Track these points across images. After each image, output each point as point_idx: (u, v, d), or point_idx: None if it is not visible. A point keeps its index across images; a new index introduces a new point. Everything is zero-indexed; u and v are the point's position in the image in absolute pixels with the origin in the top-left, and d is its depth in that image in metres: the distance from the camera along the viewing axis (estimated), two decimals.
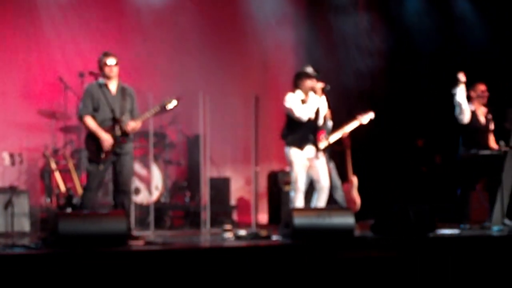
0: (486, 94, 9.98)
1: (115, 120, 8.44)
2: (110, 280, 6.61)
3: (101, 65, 8.52)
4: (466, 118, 9.82)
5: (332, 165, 10.21)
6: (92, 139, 8.42)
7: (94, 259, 6.71)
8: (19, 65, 11.04)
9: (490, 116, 10.09)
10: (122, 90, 8.56)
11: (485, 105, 10.05)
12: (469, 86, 9.96)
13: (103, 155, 8.38)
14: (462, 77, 9.76)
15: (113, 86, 8.53)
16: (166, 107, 8.79)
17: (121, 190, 8.45)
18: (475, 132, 9.90)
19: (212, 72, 12.07)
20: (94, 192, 8.49)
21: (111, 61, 8.48)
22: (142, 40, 11.92)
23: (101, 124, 8.43)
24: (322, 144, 9.22)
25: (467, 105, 9.84)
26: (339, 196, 10.18)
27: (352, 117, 10.15)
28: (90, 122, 8.42)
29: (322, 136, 9.25)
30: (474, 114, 9.95)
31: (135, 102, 8.68)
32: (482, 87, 10.01)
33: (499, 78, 11.48)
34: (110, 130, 8.43)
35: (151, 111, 8.80)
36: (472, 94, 10.01)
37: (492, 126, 10.07)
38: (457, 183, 9.90)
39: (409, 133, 12.67)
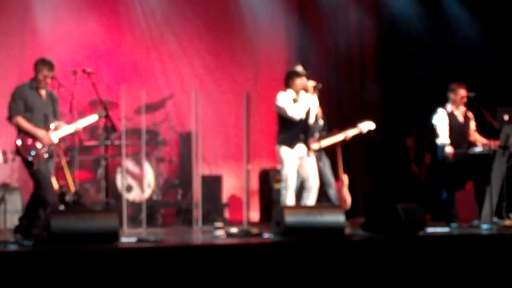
0: (465, 99, 10.05)
1: (47, 125, 8.39)
2: (102, 278, 6.64)
3: (40, 73, 8.40)
4: (443, 138, 9.92)
5: (326, 162, 10.23)
6: (28, 138, 8.33)
7: (86, 257, 6.75)
8: (13, 63, 11.07)
9: (469, 115, 10.16)
10: (50, 95, 8.56)
11: (464, 105, 10.13)
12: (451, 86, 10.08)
13: (44, 152, 8.30)
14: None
15: (43, 91, 8.50)
16: (100, 117, 8.86)
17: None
18: (453, 132, 9.95)
19: (204, 70, 12.12)
20: (53, 190, 8.46)
21: (52, 73, 8.46)
22: (135, 38, 11.95)
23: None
24: (314, 146, 9.28)
25: (444, 126, 9.94)
26: (332, 193, 10.21)
27: (351, 125, 10.18)
28: (23, 122, 8.31)
29: (314, 140, 9.32)
30: (452, 114, 10.03)
31: (58, 106, 8.66)
32: (462, 92, 10.01)
33: (489, 77, 11.55)
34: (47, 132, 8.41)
35: (86, 120, 8.87)
36: (452, 96, 10.05)
37: (472, 125, 10.15)
38: (443, 183, 9.96)
39: (399, 132, 12.73)
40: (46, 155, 8.34)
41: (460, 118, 10.08)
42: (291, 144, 9.12)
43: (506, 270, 7.98)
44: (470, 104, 10.10)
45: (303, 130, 9.18)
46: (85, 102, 10.67)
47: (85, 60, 10.93)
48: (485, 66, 11.78)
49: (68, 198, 9.82)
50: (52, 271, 6.53)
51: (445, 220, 9.78)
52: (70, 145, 10.90)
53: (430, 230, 8.88)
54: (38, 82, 8.45)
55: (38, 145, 8.32)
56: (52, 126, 8.43)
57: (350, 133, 10.08)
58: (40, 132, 8.31)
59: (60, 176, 10.46)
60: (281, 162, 9.17)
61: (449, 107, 10.05)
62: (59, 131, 8.45)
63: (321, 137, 9.63)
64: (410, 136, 12.74)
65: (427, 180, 12.23)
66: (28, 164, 8.36)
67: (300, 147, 9.16)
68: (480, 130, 10.17)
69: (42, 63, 8.46)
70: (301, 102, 9.16)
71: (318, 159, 9.64)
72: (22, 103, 8.36)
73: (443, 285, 7.78)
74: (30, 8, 11.37)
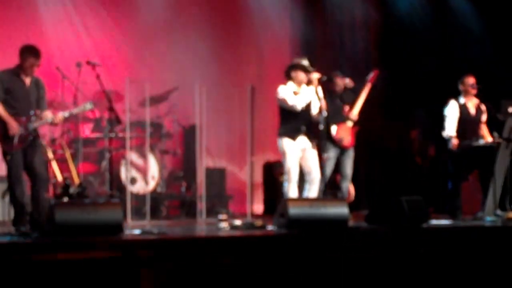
0: (475, 87, 10.01)
1: (27, 113, 8.27)
2: (105, 270, 6.66)
3: (27, 61, 8.25)
4: (449, 130, 9.91)
5: (351, 154, 10.13)
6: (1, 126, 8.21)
7: (90, 248, 6.76)
8: (17, 55, 11.06)
9: (482, 107, 10.13)
10: (35, 82, 8.41)
11: (476, 96, 10.11)
12: (459, 79, 10.07)
13: (15, 141, 8.15)
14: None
15: (27, 78, 8.36)
16: (87, 109, 8.93)
17: (39, 178, 8.32)
18: (464, 124, 9.95)
19: (208, 63, 12.12)
20: (22, 184, 8.27)
21: (38, 62, 8.28)
22: (139, 30, 11.96)
23: (14, 114, 8.22)
24: (352, 116, 9.58)
25: (453, 118, 9.93)
26: (345, 186, 10.16)
27: (362, 86, 10.18)
28: (1, 109, 8.17)
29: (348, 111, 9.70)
30: (464, 106, 10.01)
31: (45, 94, 8.51)
32: (470, 80, 10.03)
33: (494, 69, 11.54)
34: (25, 121, 8.26)
35: (75, 110, 8.93)
36: (461, 87, 10.05)
37: (483, 117, 10.13)
38: (449, 175, 9.97)
39: (403, 125, 12.73)
40: (16, 141, 8.15)
41: (472, 111, 10.05)
42: (292, 136, 9.12)
43: (509, 262, 7.99)
44: (478, 96, 10.09)
45: (305, 122, 9.18)
46: (89, 94, 10.68)
47: (89, 52, 10.93)
48: (491, 58, 11.78)
49: (72, 190, 9.84)
50: (55, 263, 6.54)
51: (449, 212, 9.78)
52: (74, 137, 10.93)
53: (434, 222, 8.89)
54: (23, 70, 8.29)
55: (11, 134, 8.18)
56: (32, 113, 8.29)
57: (366, 91, 10.12)
58: (10, 121, 8.15)
59: (64, 168, 10.50)
60: (283, 154, 9.17)
61: (462, 99, 10.04)
62: (36, 121, 8.30)
63: (350, 107, 9.82)
64: (414, 129, 12.74)
65: (431, 173, 12.23)
66: (4, 154, 8.27)
67: (302, 139, 9.17)
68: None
69: (29, 51, 8.29)
70: (302, 94, 9.16)
71: (323, 151, 9.67)
72: (1, 89, 8.22)
73: (447, 277, 7.78)
74: (34, 1, 11.39)
